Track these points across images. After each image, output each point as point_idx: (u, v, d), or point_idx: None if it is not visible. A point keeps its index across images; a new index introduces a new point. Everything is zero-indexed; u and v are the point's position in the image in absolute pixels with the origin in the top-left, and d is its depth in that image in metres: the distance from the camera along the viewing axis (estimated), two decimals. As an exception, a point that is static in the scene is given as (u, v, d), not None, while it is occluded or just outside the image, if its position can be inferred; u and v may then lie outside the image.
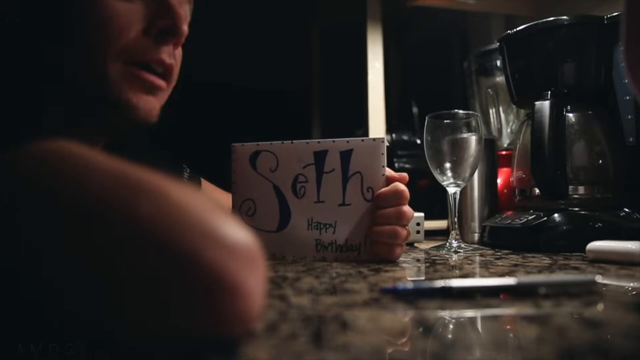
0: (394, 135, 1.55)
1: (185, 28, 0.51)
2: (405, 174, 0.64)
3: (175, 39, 0.51)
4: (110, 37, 0.47)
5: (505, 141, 1.16)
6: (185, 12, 0.53)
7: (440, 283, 0.40)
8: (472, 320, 0.35)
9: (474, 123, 0.77)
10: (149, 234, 0.25)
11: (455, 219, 0.78)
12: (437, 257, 0.70)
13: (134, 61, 0.49)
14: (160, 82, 0.51)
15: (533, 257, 0.67)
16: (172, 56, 0.52)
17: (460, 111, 0.80)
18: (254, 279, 0.26)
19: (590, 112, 0.82)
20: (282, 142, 0.68)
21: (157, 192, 0.27)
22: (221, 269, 0.25)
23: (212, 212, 0.27)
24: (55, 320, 0.26)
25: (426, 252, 0.78)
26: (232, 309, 0.25)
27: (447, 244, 0.79)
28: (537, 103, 0.78)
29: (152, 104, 0.51)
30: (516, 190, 0.89)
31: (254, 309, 0.27)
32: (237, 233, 0.27)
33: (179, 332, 0.25)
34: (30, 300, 0.26)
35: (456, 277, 0.53)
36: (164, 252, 0.25)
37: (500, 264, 0.62)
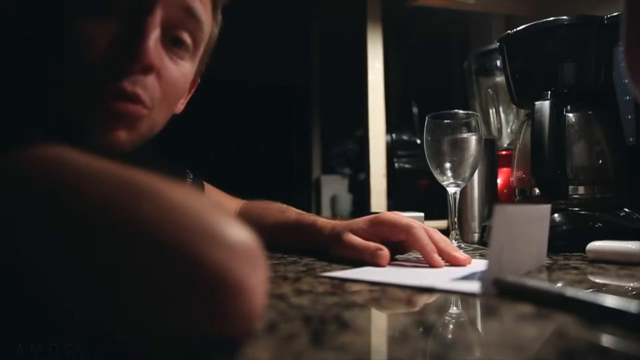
0: (394, 135, 1.55)
1: (149, 52, 0.46)
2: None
3: (137, 66, 0.46)
4: (72, 61, 0.46)
5: (505, 141, 1.16)
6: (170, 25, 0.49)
7: (555, 287, 0.37)
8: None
9: (474, 123, 0.77)
10: (151, 235, 0.25)
11: (455, 219, 0.78)
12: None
13: (97, 87, 0.46)
14: (132, 108, 0.47)
15: (533, 257, 0.67)
16: (139, 84, 0.47)
17: (460, 111, 0.80)
18: (256, 278, 0.27)
19: (590, 112, 0.82)
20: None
21: (158, 194, 0.27)
22: (225, 268, 0.25)
23: (214, 212, 0.27)
24: (56, 321, 0.26)
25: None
26: (236, 308, 0.25)
27: (447, 244, 0.78)
28: (537, 103, 0.78)
29: (120, 137, 0.48)
30: (516, 190, 0.89)
31: (257, 308, 0.27)
32: (239, 233, 0.27)
33: (182, 333, 0.25)
34: (31, 301, 0.26)
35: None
36: (167, 254, 0.25)
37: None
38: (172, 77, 0.51)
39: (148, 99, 0.49)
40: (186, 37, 0.52)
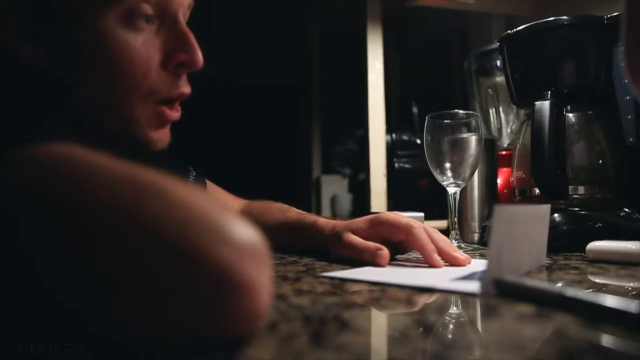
0: (394, 135, 1.55)
1: (201, 58, 0.49)
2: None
3: (193, 70, 0.49)
4: (134, 79, 0.45)
5: (505, 141, 1.16)
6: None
7: (555, 287, 0.38)
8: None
9: (474, 123, 0.77)
10: (156, 233, 0.25)
11: (455, 219, 0.78)
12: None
13: (158, 100, 0.47)
14: (177, 115, 0.50)
15: (533, 257, 0.67)
16: (189, 86, 0.50)
17: (460, 111, 0.79)
18: (262, 277, 0.27)
19: (590, 112, 0.82)
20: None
21: (163, 192, 0.27)
22: (231, 267, 0.25)
23: (219, 210, 0.27)
24: (57, 321, 0.26)
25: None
26: (241, 307, 0.25)
27: (447, 244, 0.78)
28: (537, 103, 0.78)
29: (166, 135, 0.50)
30: (516, 190, 0.89)
31: (263, 307, 0.27)
32: (245, 231, 0.27)
33: (186, 331, 0.25)
34: (32, 301, 0.26)
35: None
36: (173, 252, 0.25)
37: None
38: None
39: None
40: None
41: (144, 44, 0.45)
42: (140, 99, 0.46)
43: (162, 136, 0.49)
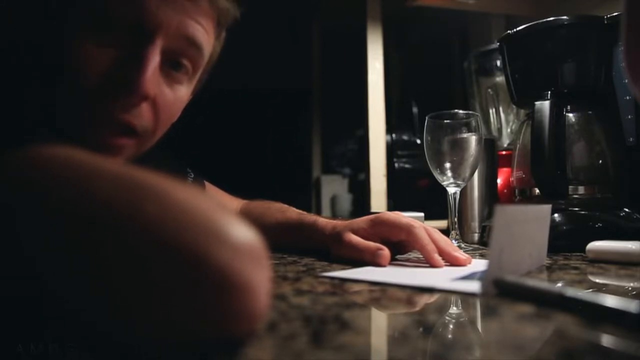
0: (394, 135, 1.55)
1: (145, 84, 0.45)
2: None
3: (132, 97, 0.46)
4: (75, 82, 0.45)
5: (505, 141, 1.16)
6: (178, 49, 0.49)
7: (555, 287, 0.37)
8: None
9: (474, 123, 0.77)
10: (154, 235, 0.25)
11: (455, 219, 0.78)
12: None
13: (88, 113, 0.46)
14: (118, 142, 0.48)
15: (533, 257, 0.67)
16: (132, 113, 0.47)
17: (460, 111, 0.80)
18: (260, 277, 0.27)
19: (590, 112, 0.82)
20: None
21: (162, 194, 0.27)
22: (229, 268, 0.25)
23: (217, 211, 0.27)
24: (57, 321, 0.26)
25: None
26: (239, 307, 0.25)
27: (447, 244, 0.78)
28: (537, 103, 0.78)
29: (110, 154, 0.48)
30: (516, 190, 0.89)
31: (261, 308, 0.27)
32: (244, 233, 0.27)
33: (185, 332, 0.25)
34: (32, 301, 0.26)
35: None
36: (171, 253, 0.25)
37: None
38: (167, 102, 0.51)
39: (141, 128, 0.49)
40: (186, 63, 0.51)
41: (96, 55, 0.45)
42: (86, 104, 0.45)
43: (120, 146, 0.48)
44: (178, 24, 0.48)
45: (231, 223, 0.27)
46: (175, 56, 0.50)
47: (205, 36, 0.52)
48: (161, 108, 0.50)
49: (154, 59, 0.47)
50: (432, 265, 0.57)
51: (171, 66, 0.50)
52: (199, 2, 0.49)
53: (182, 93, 0.53)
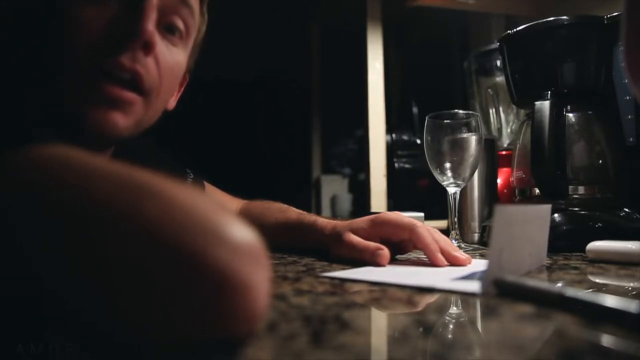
0: (394, 135, 1.55)
1: (149, 29, 0.47)
2: None
3: (138, 43, 0.47)
4: (70, 46, 0.46)
5: (505, 141, 1.16)
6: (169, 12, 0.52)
7: (555, 287, 0.37)
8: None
9: (474, 123, 0.77)
10: (154, 235, 0.25)
11: (455, 219, 0.78)
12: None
13: (94, 69, 0.47)
14: (127, 95, 0.48)
15: (533, 257, 0.67)
16: (139, 62, 0.48)
17: (460, 111, 0.80)
18: (260, 278, 0.27)
19: (590, 112, 0.82)
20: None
21: (161, 194, 0.27)
22: (228, 268, 0.25)
23: (217, 212, 0.27)
24: (57, 321, 0.26)
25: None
26: (239, 308, 0.25)
27: (447, 244, 0.78)
28: (537, 103, 0.78)
29: (116, 120, 0.48)
30: (516, 190, 0.89)
31: (261, 308, 0.27)
32: (243, 233, 0.27)
33: (184, 333, 0.25)
34: (32, 301, 0.26)
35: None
36: (170, 253, 0.25)
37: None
38: (168, 62, 0.53)
39: (147, 83, 0.50)
40: (180, 24, 0.54)
41: (89, 14, 0.46)
42: (70, 67, 0.46)
43: (108, 119, 0.48)
44: None
45: (231, 223, 0.27)
46: (169, 16, 0.52)
47: None
48: (163, 66, 0.52)
49: (153, 11, 0.49)
50: (435, 264, 0.57)
51: (166, 29, 0.53)
52: None
53: (180, 57, 0.55)
